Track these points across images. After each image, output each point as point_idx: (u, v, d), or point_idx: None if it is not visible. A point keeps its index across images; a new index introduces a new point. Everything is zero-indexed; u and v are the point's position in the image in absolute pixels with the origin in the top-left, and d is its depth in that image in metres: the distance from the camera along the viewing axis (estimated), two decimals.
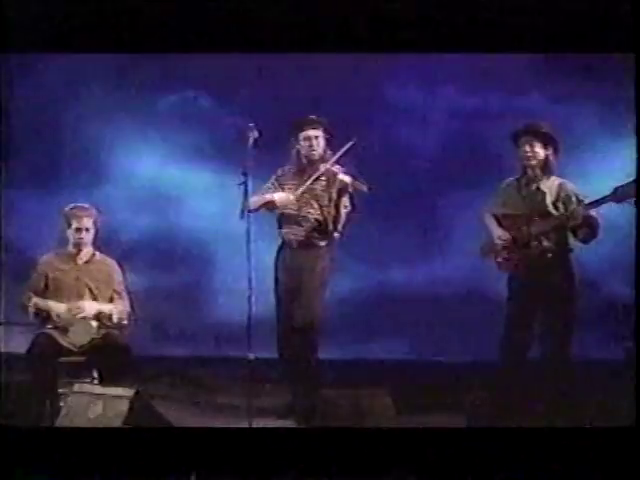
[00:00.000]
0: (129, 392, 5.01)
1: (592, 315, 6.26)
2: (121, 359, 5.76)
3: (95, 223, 6.15)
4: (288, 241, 6.26)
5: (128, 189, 7.86)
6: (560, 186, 5.90)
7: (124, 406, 4.93)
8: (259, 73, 7.67)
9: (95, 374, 5.80)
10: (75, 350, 5.88)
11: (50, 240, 7.63)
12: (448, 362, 7.33)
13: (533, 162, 5.87)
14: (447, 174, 7.73)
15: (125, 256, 7.23)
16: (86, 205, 6.20)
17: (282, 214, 6.31)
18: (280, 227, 6.33)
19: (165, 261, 7.73)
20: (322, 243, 6.19)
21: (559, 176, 5.99)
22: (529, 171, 5.91)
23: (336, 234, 6.22)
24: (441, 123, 7.83)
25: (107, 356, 5.78)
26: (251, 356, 5.82)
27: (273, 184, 6.33)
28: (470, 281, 7.69)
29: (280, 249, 6.34)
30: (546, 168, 5.89)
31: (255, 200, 6.24)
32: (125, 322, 6.04)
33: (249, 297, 5.85)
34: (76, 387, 5.35)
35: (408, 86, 7.84)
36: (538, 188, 5.90)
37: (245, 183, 5.95)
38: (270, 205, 6.22)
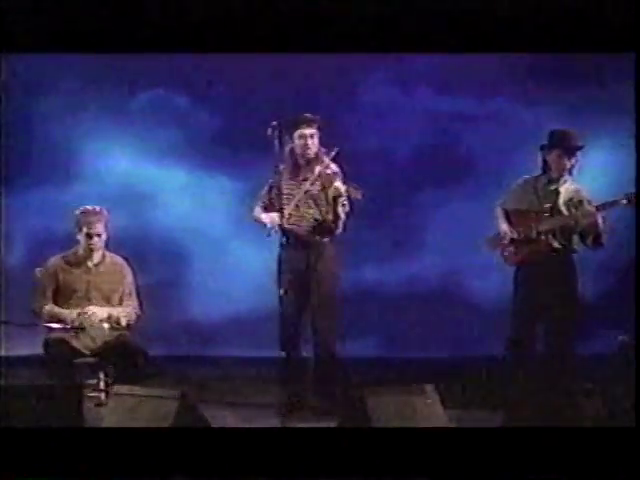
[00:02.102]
0: (175, 393, 4.96)
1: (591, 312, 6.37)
2: (137, 360, 5.70)
3: (106, 226, 5.98)
4: (291, 242, 6.21)
5: (101, 186, 7.74)
6: (576, 190, 6.03)
7: (173, 407, 4.87)
8: (234, 72, 7.67)
9: (101, 376, 5.74)
10: (87, 353, 5.80)
11: (19, 236, 7.67)
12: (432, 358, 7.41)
13: (564, 171, 5.98)
14: (422, 174, 7.81)
15: None
16: (97, 208, 5.99)
17: None
18: (282, 230, 6.28)
19: (139, 259, 7.63)
20: (324, 240, 6.19)
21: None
22: (554, 174, 6.00)
23: (337, 230, 6.22)
24: (416, 123, 7.89)
25: (122, 358, 5.71)
26: (282, 354, 5.87)
27: (268, 193, 6.30)
28: (444, 279, 7.83)
29: (282, 250, 6.30)
30: (570, 173, 6.01)
31: (255, 215, 6.30)
32: (133, 323, 5.96)
33: (280, 297, 5.92)
34: (115, 389, 5.24)
35: (383, 86, 7.89)
36: (557, 189, 6.01)
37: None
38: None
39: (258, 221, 6.30)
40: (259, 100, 7.70)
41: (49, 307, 5.89)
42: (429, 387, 4.96)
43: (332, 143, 6.25)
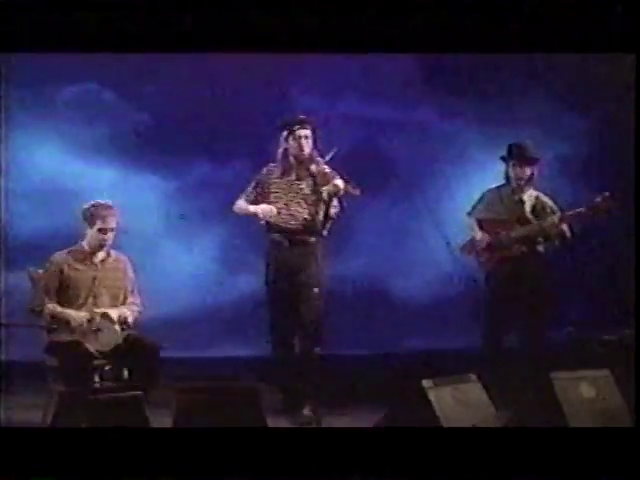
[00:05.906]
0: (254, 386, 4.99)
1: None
2: (152, 358, 5.64)
3: (117, 222, 5.84)
4: (279, 241, 6.29)
5: (26, 183, 7.54)
6: (537, 198, 6.50)
7: (253, 401, 4.95)
8: (163, 70, 7.63)
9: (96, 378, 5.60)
10: (97, 355, 5.64)
11: None
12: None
13: (522, 181, 6.37)
14: (348, 178, 8.00)
15: (22, 253, 6.97)
16: (109, 202, 5.85)
17: None
18: (268, 229, 6.33)
19: None
20: (312, 240, 6.29)
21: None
22: (515, 184, 6.39)
23: (324, 231, 6.35)
24: (342, 128, 8.08)
25: (137, 357, 5.63)
26: (318, 350, 6.04)
27: (255, 188, 6.34)
28: (370, 279, 8.10)
29: (270, 249, 6.34)
30: (530, 182, 6.41)
31: (240, 207, 6.35)
32: (137, 320, 5.89)
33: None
34: (179, 386, 5.17)
35: (311, 90, 8.06)
36: (520, 199, 6.41)
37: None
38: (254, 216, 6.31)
39: (243, 213, 6.34)
40: (188, 99, 7.72)
41: (51, 306, 5.64)
42: (473, 376, 5.23)
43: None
